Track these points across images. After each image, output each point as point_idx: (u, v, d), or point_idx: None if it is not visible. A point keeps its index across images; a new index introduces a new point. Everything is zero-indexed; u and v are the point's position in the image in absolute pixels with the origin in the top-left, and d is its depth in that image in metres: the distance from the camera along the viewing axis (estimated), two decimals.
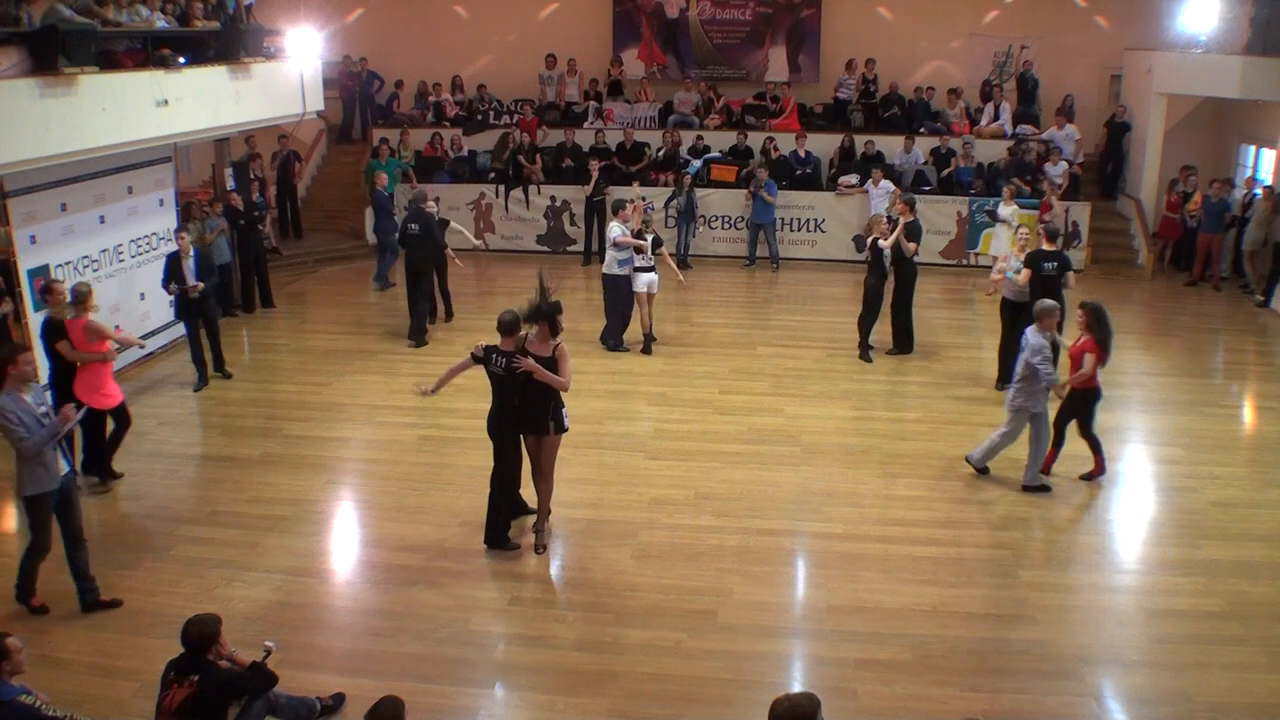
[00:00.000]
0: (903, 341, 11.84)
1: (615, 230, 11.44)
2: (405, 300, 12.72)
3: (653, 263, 11.61)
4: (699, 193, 16.42)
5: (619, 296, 11.72)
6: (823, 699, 4.04)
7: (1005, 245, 13.89)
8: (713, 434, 9.56)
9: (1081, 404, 8.38)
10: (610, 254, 11.56)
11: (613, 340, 11.87)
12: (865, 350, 11.64)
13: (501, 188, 16.91)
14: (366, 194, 16.92)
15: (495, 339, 7.21)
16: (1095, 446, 8.54)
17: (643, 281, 11.61)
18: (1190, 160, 16.17)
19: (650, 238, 11.56)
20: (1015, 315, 10.21)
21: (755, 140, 17.17)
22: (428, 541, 7.56)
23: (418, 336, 12.18)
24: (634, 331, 12.02)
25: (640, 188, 16.20)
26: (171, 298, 10.80)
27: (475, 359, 7.17)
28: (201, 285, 10.51)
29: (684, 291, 14.01)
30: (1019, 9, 18.14)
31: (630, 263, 11.51)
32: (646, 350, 11.78)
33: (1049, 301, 8.44)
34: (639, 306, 11.80)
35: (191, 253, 10.53)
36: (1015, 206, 14.50)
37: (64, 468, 6.55)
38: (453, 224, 13.12)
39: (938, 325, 13.05)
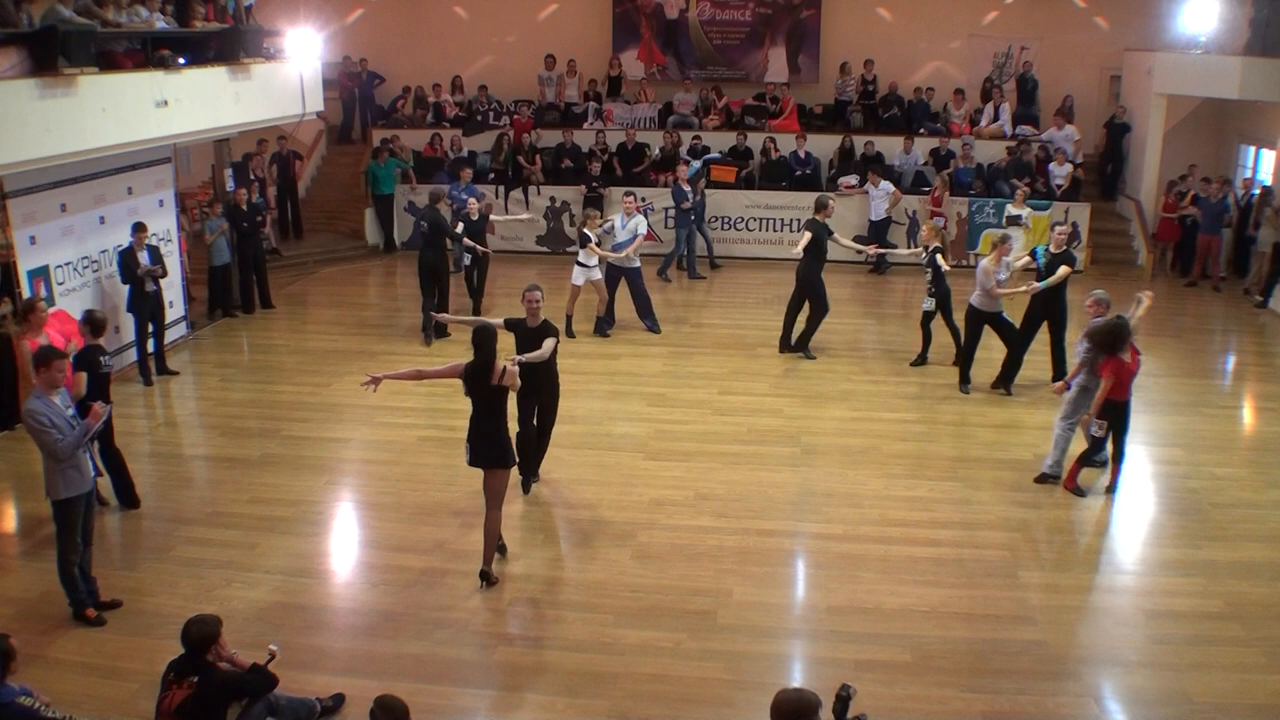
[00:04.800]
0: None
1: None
2: (413, 301, 12.91)
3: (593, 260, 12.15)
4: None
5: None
6: (823, 699, 4.04)
7: (1019, 248, 13.92)
8: (712, 434, 9.56)
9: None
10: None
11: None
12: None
13: (501, 188, 16.91)
14: (366, 195, 16.98)
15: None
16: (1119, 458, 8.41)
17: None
18: (1190, 161, 16.17)
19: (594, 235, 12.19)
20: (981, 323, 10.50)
21: (755, 141, 17.18)
22: (428, 542, 7.55)
23: (425, 334, 12.42)
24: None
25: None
26: (127, 287, 10.77)
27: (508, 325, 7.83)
28: (159, 270, 10.74)
29: (684, 292, 14.09)
30: (1019, 9, 18.14)
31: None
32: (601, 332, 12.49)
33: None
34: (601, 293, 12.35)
35: (145, 249, 10.71)
36: (1029, 209, 14.51)
37: (91, 469, 6.53)
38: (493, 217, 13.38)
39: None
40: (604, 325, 12.52)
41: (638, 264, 12.36)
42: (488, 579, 6.96)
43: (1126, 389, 8.07)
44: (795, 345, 11.80)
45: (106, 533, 7.64)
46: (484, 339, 6.76)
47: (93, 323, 7.90)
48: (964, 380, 10.74)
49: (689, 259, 15.58)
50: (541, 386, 8.12)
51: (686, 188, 15.21)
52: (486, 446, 6.85)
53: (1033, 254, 10.69)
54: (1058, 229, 11.03)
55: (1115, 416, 8.11)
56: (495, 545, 7.05)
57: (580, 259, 12.13)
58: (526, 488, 8.35)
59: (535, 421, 8.29)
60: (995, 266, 10.26)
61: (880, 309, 14.22)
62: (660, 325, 12.63)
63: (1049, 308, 10.47)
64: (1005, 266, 10.35)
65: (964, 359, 10.79)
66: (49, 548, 7.32)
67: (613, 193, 16.50)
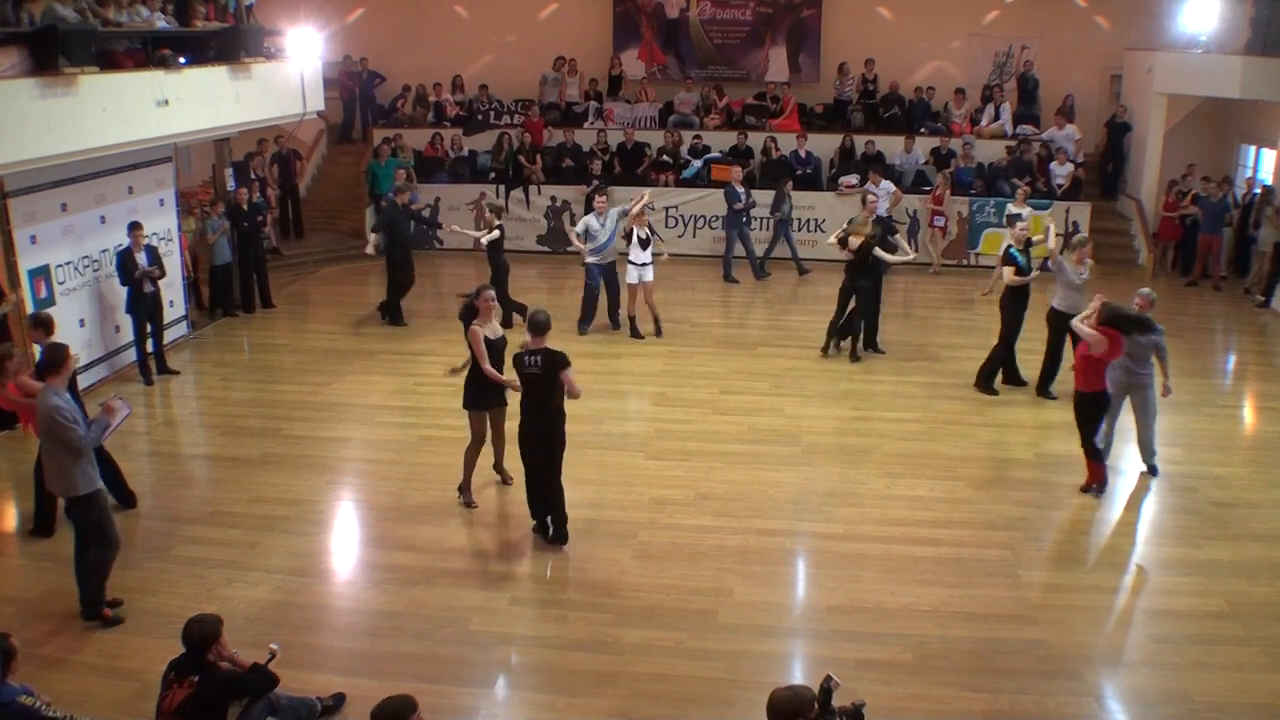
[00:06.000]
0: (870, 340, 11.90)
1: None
2: (414, 300, 13.05)
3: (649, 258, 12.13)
4: (697, 193, 16.53)
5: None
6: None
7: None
8: (713, 434, 9.56)
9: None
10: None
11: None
12: (829, 345, 11.77)
13: (501, 188, 16.91)
14: (367, 194, 16.98)
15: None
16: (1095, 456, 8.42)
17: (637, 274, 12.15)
18: (1191, 160, 16.18)
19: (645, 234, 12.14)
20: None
21: (755, 140, 17.18)
22: (428, 541, 7.56)
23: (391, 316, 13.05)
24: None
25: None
26: (125, 289, 10.70)
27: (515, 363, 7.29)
28: (156, 271, 10.69)
29: (691, 291, 14.15)
30: (1019, 9, 18.14)
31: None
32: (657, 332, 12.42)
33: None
34: (639, 296, 12.27)
35: (143, 248, 10.65)
36: (1029, 208, 14.54)
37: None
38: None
39: (938, 326, 13.05)
40: (583, 325, 12.53)
41: (593, 260, 12.30)
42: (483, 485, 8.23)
43: (1102, 378, 8.08)
44: (866, 345, 11.82)
45: None
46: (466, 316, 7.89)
47: (44, 323, 7.84)
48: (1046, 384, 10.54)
49: (725, 260, 15.47)
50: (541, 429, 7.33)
51: (740, 189, 15.22)
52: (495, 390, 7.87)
53: (1007, 252, 10.64)
54: (1019, 225, 11.02)
55: (1094, 409, 8.15)
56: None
57: (631, 258, 12.07)
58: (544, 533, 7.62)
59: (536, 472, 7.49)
60: (1079, 268, 10.03)
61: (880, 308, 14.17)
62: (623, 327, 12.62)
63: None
64: (1086, 267, 10.10)
65: (1047, 364, 10.47)
66: (49, 547, 7.35)
67: (614, 192, 16.51)
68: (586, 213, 12.56)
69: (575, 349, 11.59)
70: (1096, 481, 8.36)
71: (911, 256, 11.32)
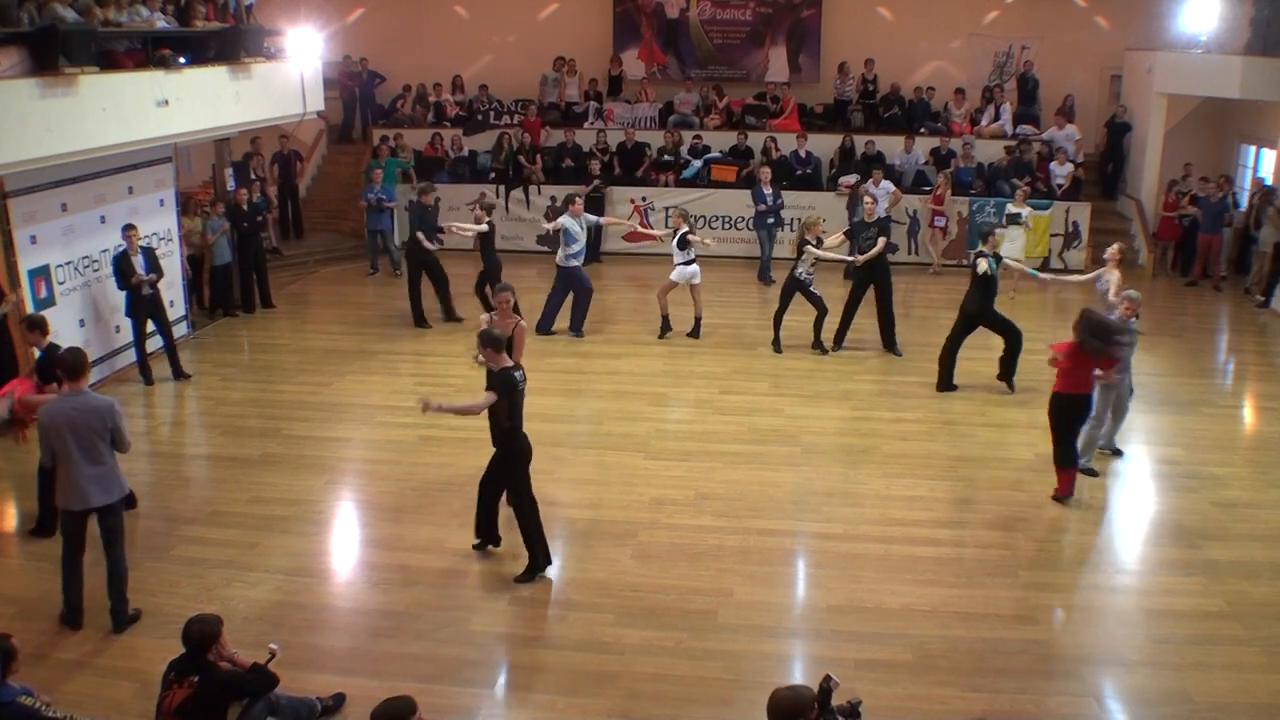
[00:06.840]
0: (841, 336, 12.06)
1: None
2: (408, 300, 12.96)
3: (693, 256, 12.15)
4: (698, 193, 16.53)
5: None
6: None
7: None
8: (713, 434, 9.56)
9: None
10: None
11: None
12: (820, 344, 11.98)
13: (501, 188, 16.91)
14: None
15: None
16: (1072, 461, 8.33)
17: (689, 273, 12.14)
18: (1190, 160, 16.18)
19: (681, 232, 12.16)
20: None
21: (755, 140, 17.18)
22: (428, 541, 7.56)
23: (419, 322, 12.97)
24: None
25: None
26: (124, 293, 10.64)
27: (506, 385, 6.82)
28: (153, 277, 10.60)
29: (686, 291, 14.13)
30: (1019, 9, 18.14)
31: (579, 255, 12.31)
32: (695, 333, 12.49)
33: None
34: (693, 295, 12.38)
35: (140, 251, 10.56)
36: (1029, 208, 14.52)
37: None
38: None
39: (938, 326, 13.01)
40: (558, 324, 12.47)
41: (576, 263, 12.27)
42: None
43: (1088, 381, 8.03)
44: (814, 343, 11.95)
45: None
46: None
47: (39, 325, 7.87)
48: None
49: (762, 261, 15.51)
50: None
51: (767, 190, 15.21)
52: None
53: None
54: (996, 232, 11.15)
55: (1076, 412, 8.09)
56: None
57: (679, 259, 12.09)
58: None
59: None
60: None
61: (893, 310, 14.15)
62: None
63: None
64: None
65: None
66: (49, 547, 7.33)
67: (613, 192, 16.55)
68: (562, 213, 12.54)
69: (575, 350, 11.78)
70: (1068, 492, 8.22)
71: (846, 258, 11.67)
